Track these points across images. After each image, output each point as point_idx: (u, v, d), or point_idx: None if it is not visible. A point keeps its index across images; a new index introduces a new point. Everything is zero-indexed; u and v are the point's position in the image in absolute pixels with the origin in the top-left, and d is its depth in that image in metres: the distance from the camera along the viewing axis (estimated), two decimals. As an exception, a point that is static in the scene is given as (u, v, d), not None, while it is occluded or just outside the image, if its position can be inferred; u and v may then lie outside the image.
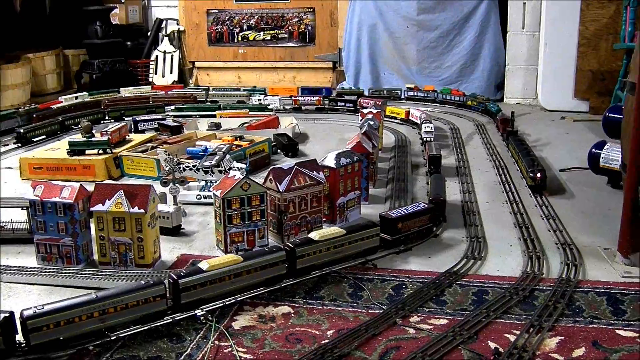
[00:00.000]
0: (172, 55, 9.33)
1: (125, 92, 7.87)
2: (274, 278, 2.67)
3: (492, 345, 2.23)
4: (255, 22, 9.13)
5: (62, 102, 7.16)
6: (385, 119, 5.89)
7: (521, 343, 2.22)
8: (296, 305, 2.57)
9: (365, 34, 8.21)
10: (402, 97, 7.60)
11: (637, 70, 2.77)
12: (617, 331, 2.33)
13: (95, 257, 2.99)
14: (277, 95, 7.27)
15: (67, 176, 4.38)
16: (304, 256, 2.75)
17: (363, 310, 2.52)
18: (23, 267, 2.94)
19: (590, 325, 2.38)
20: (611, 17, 6.50)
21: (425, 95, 7.48)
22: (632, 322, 2.39)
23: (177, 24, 9.43)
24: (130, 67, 9.20)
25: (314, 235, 2.82)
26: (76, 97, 7.44)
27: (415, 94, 7.52)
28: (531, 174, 4.02)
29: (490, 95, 7.68)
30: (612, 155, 4.04)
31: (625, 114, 3.22)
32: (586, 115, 6.58)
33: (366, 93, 7.66)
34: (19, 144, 5.50)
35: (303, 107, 7.11)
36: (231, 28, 9.21)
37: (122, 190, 2.86)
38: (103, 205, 2.84)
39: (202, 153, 4.34)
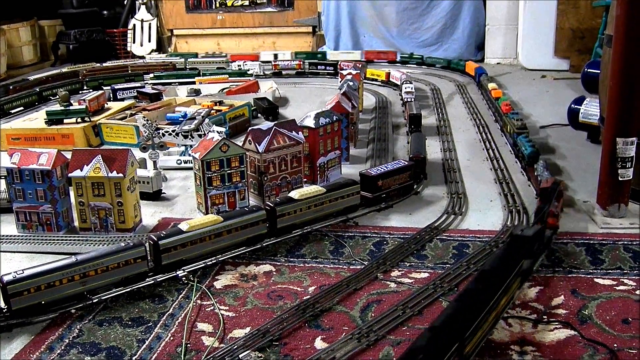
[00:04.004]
0: (149, 24, 9.20)
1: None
2: (255, 237, 2.67)
3: (473, 296, 2.25)
4: (233, -12, 9.02)
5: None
6: (365, 81, 5.87)
7: (501, 293, 2.24)
8: (278, 263, 2.58)
9: (344, -4, 8.14)
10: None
11: (615, 22, 2.76)
12: (595, 280, 2.36)
13: (76, 223, 2.98)
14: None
15: (45, 146, 4.32)
16: (285, 215, 2.74)
17: (344, 267, 2.53)
18: (3, 235, 2.91)
19: (570, 275, 2.40)
20: (590, -26, 6.48)
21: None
22: (610, 271, 2.42)
23: (154, -8, 9.29)
24: (107, 36, 9.07)
25: (294, 194, 2.82)
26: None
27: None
28: None
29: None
30: (591, 110, 4.05)
31: (603, 67, 3.23)
32: (567, 74, 6.59)
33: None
34: (-4, 116, 5.43)
35: (283, 72, 7.06)
36: (209, -6, 9.09)
37: (100, 155, 2.83)
38: (81, 170, 2.82)
39: (182, 119, 4.31)
